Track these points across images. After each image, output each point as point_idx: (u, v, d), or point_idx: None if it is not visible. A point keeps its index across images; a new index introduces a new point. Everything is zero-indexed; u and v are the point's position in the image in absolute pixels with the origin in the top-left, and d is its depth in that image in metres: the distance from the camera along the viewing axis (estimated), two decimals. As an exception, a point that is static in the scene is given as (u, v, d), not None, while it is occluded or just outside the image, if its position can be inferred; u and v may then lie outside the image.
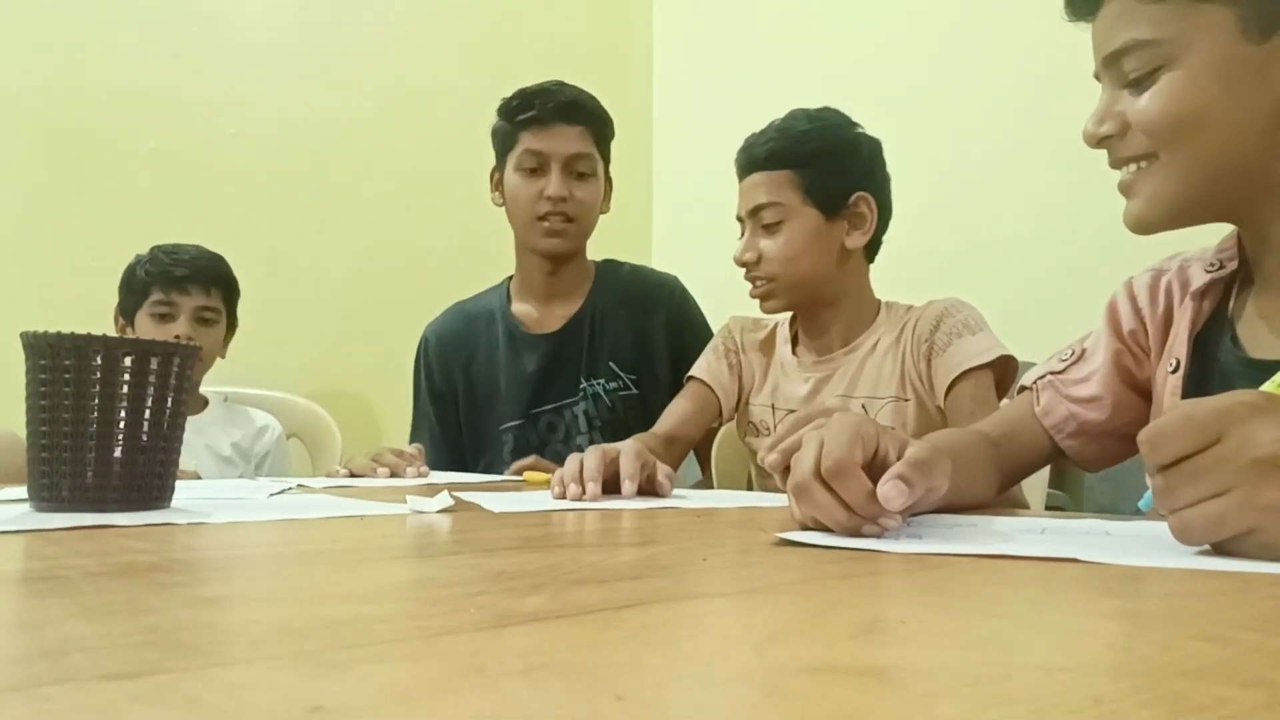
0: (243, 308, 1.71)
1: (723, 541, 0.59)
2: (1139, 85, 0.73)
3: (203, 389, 1.68)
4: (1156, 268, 0.88)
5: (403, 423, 1.70)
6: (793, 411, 1.25)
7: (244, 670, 0.25)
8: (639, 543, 0.58)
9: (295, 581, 0.42)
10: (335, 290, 2.22)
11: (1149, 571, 0.45)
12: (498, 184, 1.53)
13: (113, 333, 1.46)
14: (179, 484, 0.73)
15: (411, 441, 1.58)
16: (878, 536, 0.56)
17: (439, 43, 2.40)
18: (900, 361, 1.19)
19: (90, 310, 1.56)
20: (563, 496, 0.87)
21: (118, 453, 0.66)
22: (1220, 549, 0.47)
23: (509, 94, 1.48)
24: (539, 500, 0.85)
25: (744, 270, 1.23)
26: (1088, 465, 0.92)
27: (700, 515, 0.74)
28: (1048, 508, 1.37)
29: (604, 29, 2.72)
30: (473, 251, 2.02)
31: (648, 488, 0.92)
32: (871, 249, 1.25)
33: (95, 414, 0.66)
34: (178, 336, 1.52)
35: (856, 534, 0.56)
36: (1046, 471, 1.32)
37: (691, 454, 1.57)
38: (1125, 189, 0.77)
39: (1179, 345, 0.81)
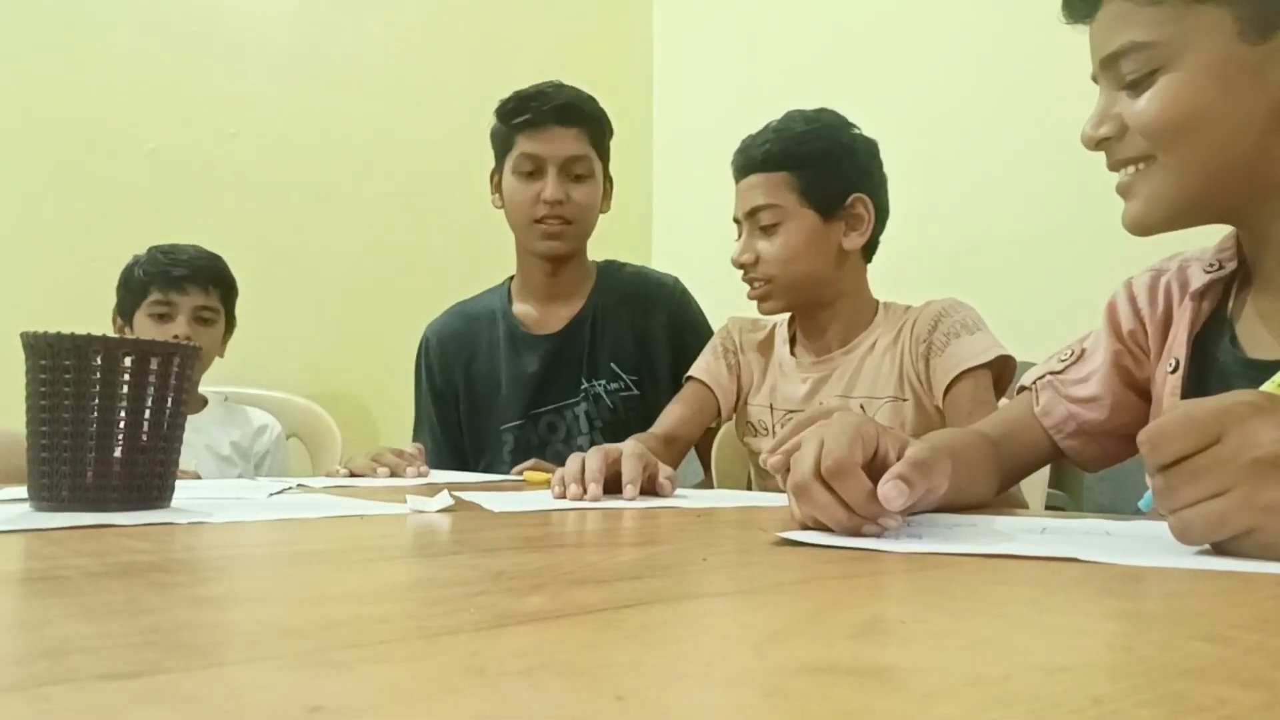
0: (242, 308, 1.71)
1: (723, 541, 0.59)
2: (1137, 87, 0.73)
3: (202, 389, 1.68)
4: (1155, 268, 0.88)
5: (402, 423, 1.70)
6: (792, 412, 1.25)
7: (244, 670, 0.25)
8: (639, 543, 0.58)
9: (295, 581, 0.42)
10: (335, 290, 2.22)
11: (1149, 571, 0.45)
12: (497, 186, 1.53)
13: (112, 333, 1.47)
14: (179, 484, 0.73)
15: (414, 441, 1.58)
16: (878, 536, 0.56)
17: (439, 43, 2.40)
18: (898, 361, 1.19)
19: (90, 310, 1.56)
20: (563, 496, 0.87)
21: (118, 453, 0.66)
22: (1220, 549, 0.47)
23: (508, 95, 1.48)
24: (539, 500, 0.85)
25: (742, 271, 1.23)
26: (1087, 465, 0.92)
27: (700, 515, 0.74)
28: (1048, 508, 1.37)
29: (604, 29, 2.72)
30: (473, 251, 2.02)
31: (649, 488, 0.92)
32: (869, 250, 1.25)
33: (95, 414, 0.66)
34: (176, 336, 1.52)
35: (857, 534, 0.56)
36: (1046, 471, 1.32)
37: (694, 454, 1.57)
38: (1123, 191, 0.77)
39: (1178, 345, 0.81)
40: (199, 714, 0.21)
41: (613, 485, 0.89)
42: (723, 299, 1.52)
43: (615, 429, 1.46)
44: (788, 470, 0.62)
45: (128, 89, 2.02)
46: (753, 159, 1.21)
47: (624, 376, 1.51)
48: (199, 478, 1.32)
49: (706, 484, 1.58)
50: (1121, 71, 0.73)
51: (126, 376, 0.67)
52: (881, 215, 1.23)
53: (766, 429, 1.30)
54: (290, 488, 0.99)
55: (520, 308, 1.57)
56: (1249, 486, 0.45)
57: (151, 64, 2.04)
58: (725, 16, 2.66)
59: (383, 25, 2.32)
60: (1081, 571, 0.44)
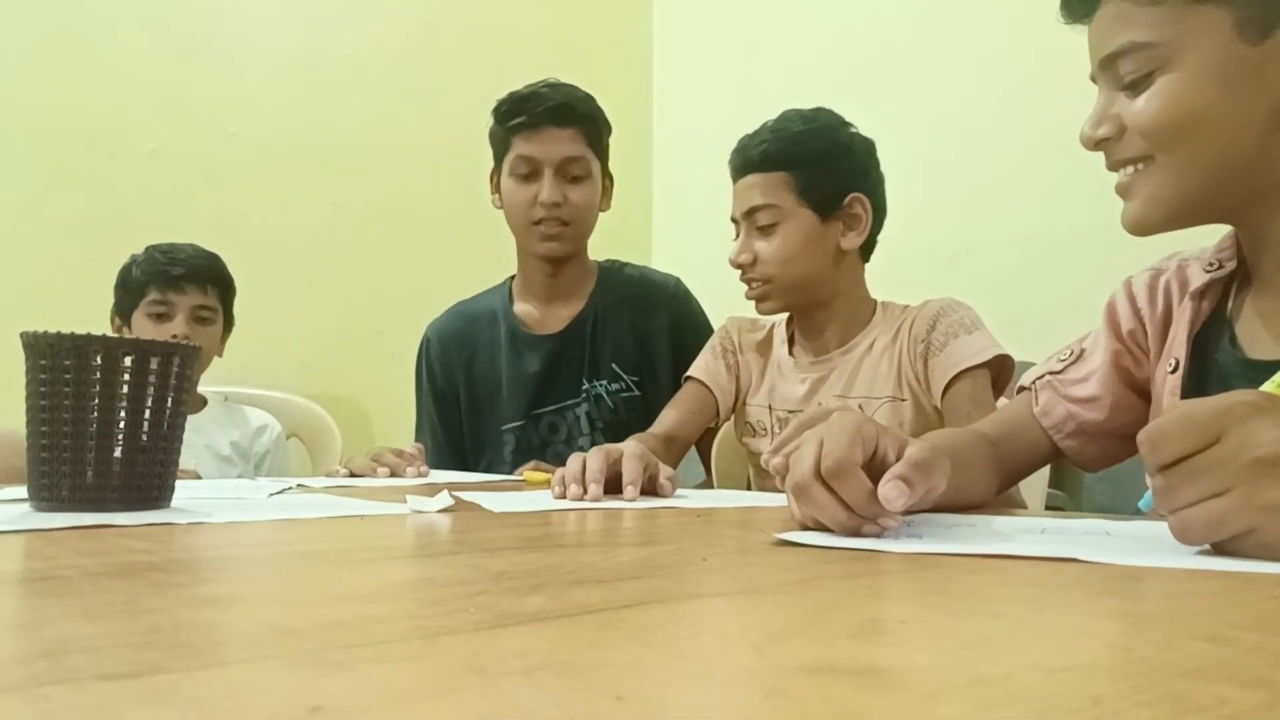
0: (242, 307, 1.71)
1: (723, 541, 0.59)
2: (1135, 88, 0.73)
3: (202, 388, 1.68)
4: (1155, 267, 0.88)
5: (402, 423, 1.70)
6: (792, 412, 1.25)
7: (244, 670, 0.25)
8: (639, 543, 0.58)
9: (295, 581, 0.42)
10: (335, 290, 2.22)
11: (1149, 571, 0.45)
12: (496, 186, 1.53)
13: (111, 334, 1.46)
14: (179, 484, 0.73)
15: (415, 441, 1.58)
16: (877, 536, 0.56)
17: (439, 43, 2.40)
18: (897, 361, 1.19)
19: (90, 310, 1.56)
20: (563, 496, 0.87)
21: (118, 453, 0.66)
22: (1220, 549, 0.47)
23: (504, 96, 1.48)
24: (539, 500, 0.85)
25: (740, 271, 1.23)
26: (1086, 465, 0.92)
27: (700, 515, 0.74)
28: (1048, 508, 1.37)
29: (604, 29, 2.72)
30: (473, 251, 2.02)
31: (649, 489, 0.92)
32: (866, 249, 1.25)
33: (95, 414, 0.66)
34: (175, 336, 1.52)
35: (856, 534, 0.56)
36: (1046, 471, 1.32)
37: (695, 455, 1.57)
38: (1122, 191, 0.77)
39: (1178, 345, 0.81)
40: (199, 714, 0.21)
41: (613, 485, 0.89)
42: (723, 299, 1.52)
43: (616, 430, 1.46)
44: (789, 471, 0.62)
45: (128, 89, 2.02)
46: (750, 159, 1.21)
47: (625, 377, 1.51)
48: (199, 477, 1.32)
49: (707, 485, 1.58)
50: (1120, 72, 0.73)
51: (126, 376, 0.67)
52: (879, 215, 1.23)
53: (765, 429, 1.30)
54: (290, 488, 0.99)
55: (521, 307, 1.57)
56: (1249, 486, 0.45)
57: (151, 64, 2.04)
58: (725, 16, 2.66)
59: (383, 25, 2.32)
60: (1081, 571, 0.44)
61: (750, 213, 1.21)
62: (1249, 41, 0.69)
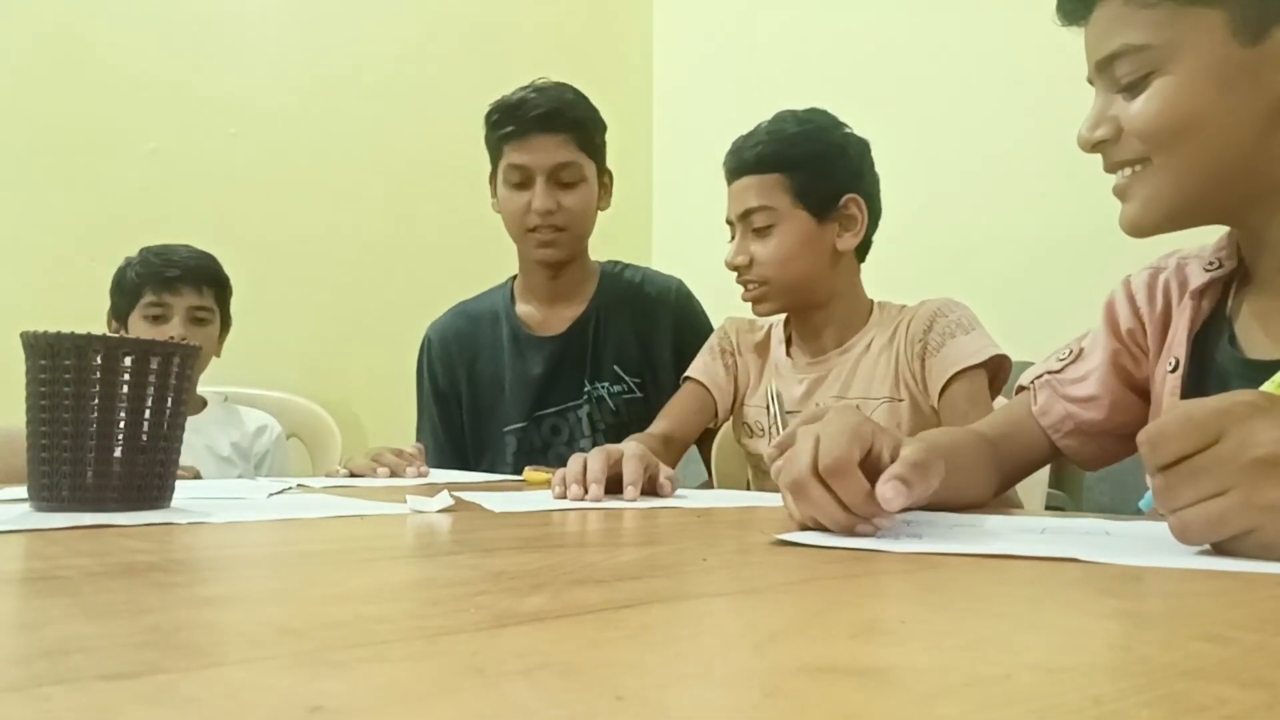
0: (242, 308, 1.70)
1: (722, 541, 0.59)
2: (1132, 90, 0.73)
3: (201, 389, 1.67)
4: (1154, 266, 0.87)
5: (402, 423, 1.70)
6: (791, 413, 1.25)
7: (244, 670, 0.25)
8: (639, 543, 0.58)
9: (295, 581, 0.42)
10: (335, 290, 2.21)
11: (1149, 571, 0.45)
12: (494, 190, 1.53)
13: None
14: (179, 484, 0.73)
15: (416, 441, 1.58)
16: (872, 535, 0.56)
17: (439, 43, 2.40)
18: (894, 362, 1.19)
19: (90, 310, 1.56)
20: (564, 496, 0.87)
21: (118, 453, 0.66)
22: (1220, 549, 0.47)
23: (495, 101, 1.46)
24: (539, 500, 0.85)
25: (736, 273, 1.23)
26: (1086, 465, 0.92)
27: (700, 515, 0.74)
28: (1048, 508, 1.37)
29: (604, 29, 2.72)
30: (473, 251, 2.01)
31: (649, 489, 0.92)
32: (862, 250, 1.25)
33: (95, 414, 0.66)
34: (172, 338, 1.52)
35: (852, 533, 0.56)
36: (1046, 471, 1.32)
37: (696, 456, 1.57)
38: (1120, 193, 0.77)
39: (1178, 344, 0.81)
40: (199, 714, 0.21)
41: (613, 486, 0.89)
42: (723, 299, 1.52)
43: (618, 431, 1.46)
44: (785, 468, 0.61)
45: (128, 89, 2.02)
46: (745, 161, 1.20)
47: (627, 379, 1.51)
48: (198, 475, 1.32)
49: (708, 485, 1.58)
50: (1117, 74, 0.73)
51: (126, 376, 0.67)
52: (874, 215, 1.23)
53: (763, 430, 1.30)
54: (290, 488, 0.99)
55: (523, 308, 1.57)
56: (1249, 486, 0.45)
57: (151, 64, 2.04)
58: (725, 16, 2.66)
59: (382, 26, 2.32)
60: (1081, 571, 0.44)
61: (746, 215, 1.20)
62: (1245, 43, 0.69)
